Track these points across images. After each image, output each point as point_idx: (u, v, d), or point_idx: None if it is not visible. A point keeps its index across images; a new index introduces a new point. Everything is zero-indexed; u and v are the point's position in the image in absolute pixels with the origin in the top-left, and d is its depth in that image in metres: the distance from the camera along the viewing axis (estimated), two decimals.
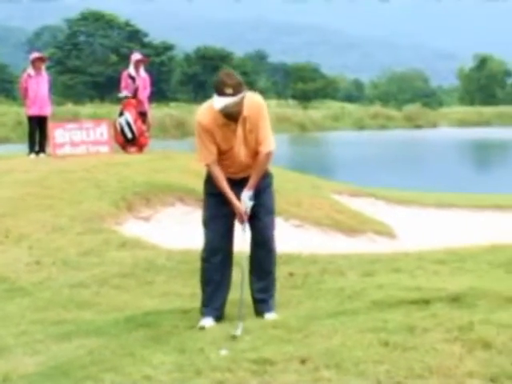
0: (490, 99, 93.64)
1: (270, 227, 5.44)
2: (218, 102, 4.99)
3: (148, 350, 4.51)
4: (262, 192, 5.37)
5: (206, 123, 5.16)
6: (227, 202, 5.28)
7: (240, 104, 5.03)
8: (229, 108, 5.00)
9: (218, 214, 5.33)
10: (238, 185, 5.29)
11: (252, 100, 5.17)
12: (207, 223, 5.40)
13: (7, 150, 22.76)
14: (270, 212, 5.44)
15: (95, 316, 5.86)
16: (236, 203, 5.24)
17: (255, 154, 5.25)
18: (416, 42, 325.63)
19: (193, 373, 4.05)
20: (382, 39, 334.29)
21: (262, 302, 5.44)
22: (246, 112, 5.13)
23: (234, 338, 4.70)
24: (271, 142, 5.26)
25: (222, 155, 5.26)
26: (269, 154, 5.26)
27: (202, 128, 5.18)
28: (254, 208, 5.30)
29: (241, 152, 5.23)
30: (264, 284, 5.45)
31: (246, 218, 5.28)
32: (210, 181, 5.38)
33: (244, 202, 5.26)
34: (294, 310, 5.51)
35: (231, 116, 5.09)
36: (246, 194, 5.26)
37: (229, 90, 4.96)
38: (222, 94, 4.97)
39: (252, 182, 5.26)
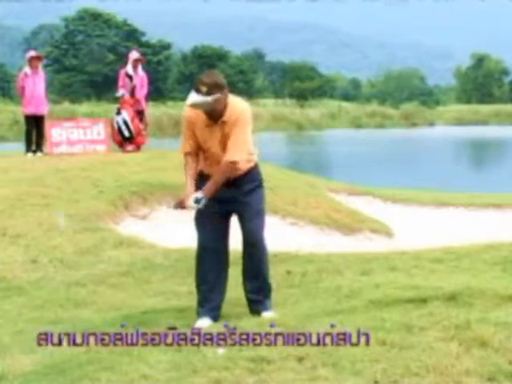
0: (486, 98, 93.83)
1: (259, 228, 5.40)
2: (190, 98, 5.08)
3: (145, 348, 4.51)
4: (248, 195, 5.34)
5: (191, 116, 5.23)
6: (219, 200, 5.24)
7: (211, 105, 5.04)
8: (197, 106, 5.07)
9: (208, 214, 5.29)
10: (228, 186, 5.25)
11: (234, 107, 5.16)
12: (198, 223, 5.42)
13: (4, 148, 22.74)
14: (258, 213, 5.39)
15: (92, 315, 5.86)
16: (187, 192, 5.18)
17: None
18: (413, 41, 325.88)
19: (189, 371, 4.05)
20: (380, 38, 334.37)
21: (256, 302, 5.43)
22: (225, 117, 5.14)
23: None
24: (238, 152, 5.14)
25: (205, 153, 5.31)
26: (230, 164, 5.14)
27: (186, 119, 5.27)
28: (241, 209, 5.31)
29: (219, 154, 5.22)
30: (257, 284, 5.45)
31: (180, 207, 5.29)
32: (198, 180, 5.35)
33: (188, 199, 5.17)
34: (291, 309, 5.51)
35: (207, 114, 5.13)
36: (195, 195, 5.15)
37: (203, 89, 5.02)
38: (196, 90, 5.05)
39: (208, 186, 5.15)
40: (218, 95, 5.03)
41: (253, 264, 5.42)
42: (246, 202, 5.32)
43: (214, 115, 5.13)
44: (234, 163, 5.17)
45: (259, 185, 5.44)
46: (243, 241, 5.41)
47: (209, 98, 5.01)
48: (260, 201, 5.43)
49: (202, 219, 5.36)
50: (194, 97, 5.05)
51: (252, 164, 5.37)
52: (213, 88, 5.01)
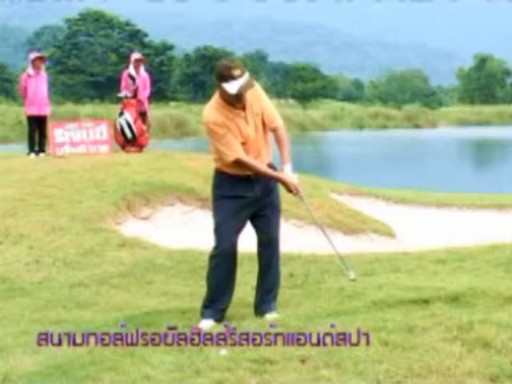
0: (489, 99, 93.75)
1: (277, 227, 5.44)
2: (232, 87, 4.96)
3: (147, 349, 4.51)
4: (271, 190, 5.34)
5: (218, 119, 5.12)
6: (248, 204, 5.24)
7: (250, 82, 5.05)
8: (244, 87, 4.99)
9: (231, 217, 5.25)
10: (248, 184, 5.25)
11: None
12: (220, 226, 5.28)
13: (7, 149, 22.76)
14: (278, 211, 5.44)
15: (95, 315, 5.86)
16: (283, 176, 5.22)
17: (264, 137, 5.28)
18: (416, 42, 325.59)
19: (192, 372, 4.05)
20: (382, 39, 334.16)
21: (265, 302, 5.42)
22: (248, 97, 5.16)
23: (353, 280, 5.41)
24: (279, 116, 5.35)
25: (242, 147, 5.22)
26: (283, 126, 5.36)
27: (217, 125, 5.12)
28: (264, 209, 5.29)
29: (255, 137, 5.21)
30: (269, 283, 5.44)
31: (299, 188, 5.26)
32: (221, 184, 5.30)
33: (291, 176, 5.28)
34: (293, 310, 5.50)
35: (241, 99, 5.07)
36: (288, 167, 5.29)
37: (237, 72, 4.99)
38: (232, 77, 4.96)
39: (287, 156, 5.30)
40: (247, 73, 5.07)
41: (269, 263, 5.41)
42: (270, 201, 5.33)
43: (244, 97, 5.10)
44: (283, 126, 5.36)
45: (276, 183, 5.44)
46: (259, 239, 5.39)
47: (246, 77, 5.02)
48: (279, 198, 5.46)
49: (226, 223, 5.26)
50: (235, 83, 4.96)
51: (271, 152, 5.43)
52: (242, 68, 5.06)
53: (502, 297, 4.99)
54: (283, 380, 3.88)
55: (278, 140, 5.34)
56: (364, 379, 3.81)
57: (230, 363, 4.10)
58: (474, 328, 4.33)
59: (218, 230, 5.31)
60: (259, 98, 5.24)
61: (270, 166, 5.37)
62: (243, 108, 5.15)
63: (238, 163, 5.19)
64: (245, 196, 5.26)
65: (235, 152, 5.14)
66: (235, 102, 5.08)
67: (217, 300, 5.35)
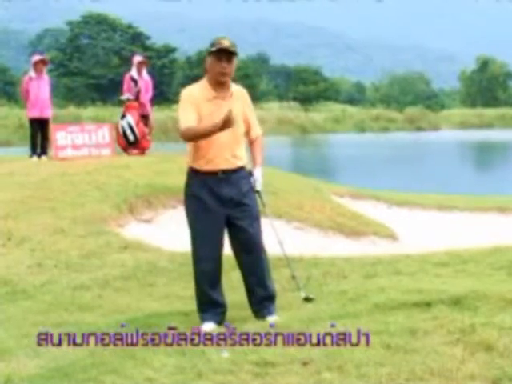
0: (491, 101, 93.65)
1: (257, 235, 5.34)
2: (217, 47, 5.17)
3: (149, 352, 4.51)
4: (246, 197, 5.29)
5: (192, 93, 5.26)
6: (219, 202, 5.20)
7: (236, 54, 5.20)
8: (228, 47, 5.16)
9: (202, 219, 5.22)
10: (221, 183, 5.21)
11: (239, 88, 5.40)
12: (193, 227, 5.29)
13: (9, 152, 22.78)
14: (255, 218, 5.34)
15: (97, 318, 5.86)
16: (218, 121, 5.04)
17: (236, 140, 5.27)
18: (418, 45, 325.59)
19: (194, 375, 4.05)
20: (384, 42, 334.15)
21: (264, 307, 5.39)
22: (233, 89, 5.29)
23: (309, 300, 5.46)
24: (259, 126, 5.51)
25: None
26: (262, 136, 5.54)
27: (187, 96, 5.26)
28: (241, 213, 5.24)
29: (228, 130, 5.16)
30: (262, 294, 5.40)
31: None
32: (191, 183, 5.30)
33: (258, 179, 5.38)
34: (295, 313, 5.50)
35: (219, 80, 5.19)
36: (259, 171, 5.41)
37: (226, 42, 5.19)
38: (219, 43, 5.18)
39: (259, 159, 5.43)
40: (236, 52, 5.24)
41: (255, 270, 5.35)
42: (246, 205, 5.26)
43: (226, 80, 5.22)
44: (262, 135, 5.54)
45: (252, 187, 5.40)
46: (241, 248, 5.31)
47: (234, 48, 5.21)
48: (256, 204, 5.41)
49: (199, 225, 5.23)
50: (220, 45, 5.15)
51: (246, 159, 5.46)
52: (233, 44, 5.23)
53: (504, 300, 4.99)
54: (285, 383, 3.88)
55: (255, 146, 5.47)
56: (366, 382, 3.81)
57: (232, 366, 4.10)
58: (477, 331, 4.32)
59: (191, 231, 5.31)
60: (246, 103, 5.38)
61: (243, 168, 5.36)
62: (223, 97, 5.23)
63: (187, 134, 5.16)
64: (214, 195, 5.20)
65: (188, 122, 5.18)
66: (220, 75, 5.17)
67: (211, 302, 5.32)
